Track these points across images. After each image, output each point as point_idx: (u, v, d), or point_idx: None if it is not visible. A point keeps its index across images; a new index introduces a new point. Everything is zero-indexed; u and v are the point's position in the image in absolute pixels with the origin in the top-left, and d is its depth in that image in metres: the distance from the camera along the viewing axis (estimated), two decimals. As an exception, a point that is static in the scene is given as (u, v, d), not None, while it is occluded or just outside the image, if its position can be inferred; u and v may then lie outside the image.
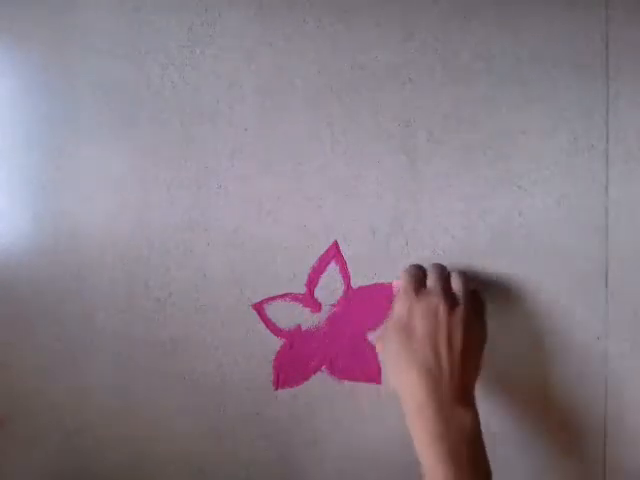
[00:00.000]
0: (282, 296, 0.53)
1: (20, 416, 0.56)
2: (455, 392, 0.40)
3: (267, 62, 0.53)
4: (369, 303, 0.53)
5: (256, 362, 0.54)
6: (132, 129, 0.54)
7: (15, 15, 0.54)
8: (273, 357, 0.54)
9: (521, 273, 0.53)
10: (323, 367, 0.54)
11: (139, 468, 0.56)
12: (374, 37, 0.52)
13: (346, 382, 0.54)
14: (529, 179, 0.52)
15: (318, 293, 0.53)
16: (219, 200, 0.53)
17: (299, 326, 0.53)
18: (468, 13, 0.52)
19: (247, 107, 0.53)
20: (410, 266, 0.48)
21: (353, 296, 0.53)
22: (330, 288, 0.53)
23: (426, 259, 0.53)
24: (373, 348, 0.53)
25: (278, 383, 0.54)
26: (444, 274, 0.46)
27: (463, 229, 0.53)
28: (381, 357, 0.47)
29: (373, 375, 0.53)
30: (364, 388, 0.53)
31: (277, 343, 0.54)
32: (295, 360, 0.54)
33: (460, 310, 0.43)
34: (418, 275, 0.46)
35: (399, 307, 0.44)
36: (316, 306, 0.53)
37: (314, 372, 0.53)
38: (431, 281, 0.45)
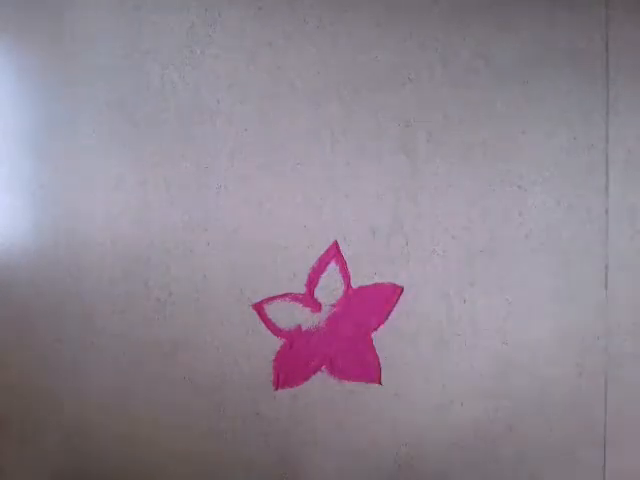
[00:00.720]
0: (282, 296, 0.53)
1: (20, 416, 0.56)
2: None
3: (267, 62, 0.53)
4: (369, 303, 0.53)
5: (256, 362, 0.54)
6: (132, 129, 0.54)
7: (15, 15, 0.54)
8: (273, 357, 0.54)
9: (521, 273, 0.53)
10: (323, 367, 0.54)
11: (139, 468, 0.56)
12: (374, 37, 0.52)
13: (346, 382, 0.54)
14: (529, 179, 0.52)
15: (318, 293, 0.53)
16: (219, 200, 0.53)
17: (299, 326, 0.53)
18: (468, 13, 0.52)
19: (247, 107, 0.53)
20: None
21: (353, 296, 0.53)
22: (330, 288, 0.53)
23: (426, 259, 0.53)
24: (373, 348, 0.53)
25: (278, 383, 0.54)
26: None
27: (463, 229, 0.53)
28: None
29: (373, 375, 0.53)
30: (364, 388, 0.53)
31: (277, 343, 0.54)
32: (295, 360, 0.54)
33: None
34: None
35: None
36: (316, 306, 0.53)
37: (314, 372, 0.53)
38: None
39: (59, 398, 0.55)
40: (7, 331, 0.55)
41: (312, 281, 0.53)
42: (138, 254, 0.54)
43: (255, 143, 0.53)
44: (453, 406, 0.53)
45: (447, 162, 0.53)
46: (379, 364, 0.52)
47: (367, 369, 0.53)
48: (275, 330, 0.54)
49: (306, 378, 0.54)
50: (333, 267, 0.53)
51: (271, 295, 0.54)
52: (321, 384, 0.54)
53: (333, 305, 0.53)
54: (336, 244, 0.53)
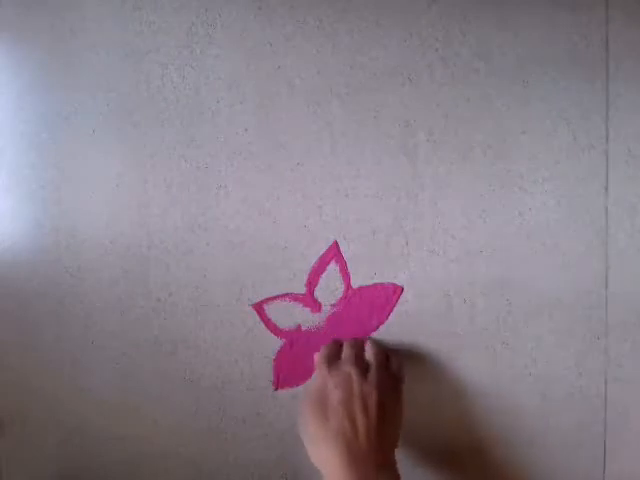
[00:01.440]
0: (282, 296, 0.53)
1: (20, 416, 0.56)
2: (375, 458, 0.39)
3: (267, 62, 0.53)
4: (369, 303, 0.53)
5: (256, 362, 0.54)
6: (132, 129, 0.54)
7: (15, 15, 0.54)
8: (273, 357, 0.54)
9: (521, 273, 0.53)
10: (323, 367, 0.54)
11: (139, 468, 0.56)
12: (374, 37, 0.52)
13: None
14: (529, 179, 0.52)
15: (318, 293, 0.53)
16: (219, 200, 0.53)
17: (299, 326, 0.53)
18: (468, 13, 0.52)
19: (247, 107, 0.53)
20: (327, 344, 0.49)
21: (353, 296, 0.53)
22: (330, 288, 0.53)
23: (426, 259, 0.53)
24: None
25: (278, 383, 0.54)
26: (358, 344, 0.48)
27: (463, 229, 0.53)
28: (301, 435, 0.43)
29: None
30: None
31: (277, 343, 0.54)
32: (295, 360, 0.54)
33: (373, 375, 0.43)
34: (332, 349, 0.47)
35: (313, 382, 0.45)
36: (316, 306, 0.53)
37: (314, 372, 0.53)
38: (344, 352, 0.46)
39: (59, 398, 0.55)
40: (7, 331, 0.55)
41: (312, 281, 0.53)
42: (138, 254, 0.54)
43: (255, 143, 0.53)
44: (453, 406, 0.54)
45: (447, 162, 0.53)
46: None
47: (367, 369, 0.53)
48: (275, 330, 0.54)
49: (306, 378, 0.54)
50: (333, 267, 0.53)
51: (271, 295, 0.54)
52: (321, 384, 0.54)
53: (333, 305, 0.53)
54: (336, 244, 0.53)
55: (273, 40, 0.53)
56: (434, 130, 0.53)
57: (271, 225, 0.53)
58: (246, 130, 0.53)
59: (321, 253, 0.53)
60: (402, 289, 0.53)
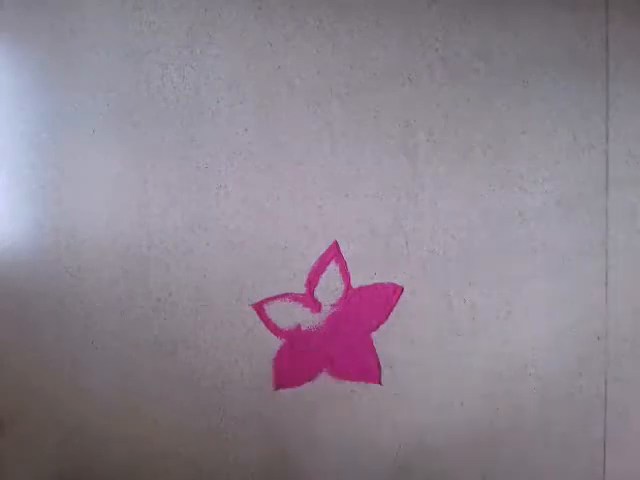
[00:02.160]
0: (282, 296, 0.53)
1: (20, 416, 0.56)
2: None
3: (267, 62, 0.53)
4: (369, 303, 0.53)
5: (256, 362, 0.54)
6: (132, 129, 0.54)
7: (15, 15, 0.53)
8: (273, 357, 0.54)
9: (521, 273, 0.53)
10: (323, 367, 0.54)
11: (139, 468, 0.56)
12: (374, 37, 0.52)
13: (346, 382, 0.54)
14: (529, 179, 0.52)
15: (318, 293, 0.53)
16: (219, 200, 0.53)
17: (299, 326, 0.53)
18: (468, 13, 0.52)
19: (247, 107, 0.53)
20: None
21: (353, 296, 0.53)
22: (330, 288, 0.53)
23: (426, 259, 0.53)
24: (373, 348, 0.53)
25: (278, 383, 0.54)
26: None
27: (463, 229, 0.53)
28: None
29: (373, 375, 0.53)
30: (364, 388, 0.53)
31: (277, 343, 0.54)
32: (295, 360, 0.54)
33: None
34: None
35: None
36: (316, 306, 0.53)
37: (314, 372, 0.53)
38: None
39: (59, 398, 0.55)
40: (7, 331, 0.55)
41: (312, 281, 0.53)
42: (138, 254, 0.54)
43: (255, 143, 0.53)
44: (453, 406, 0.53)
45: (447, 162, 0.53)
46: (379, 364, 0.52)
47: (367, 369, 0.53)
48: (275, 330, 0.54)
49: (306, 378, 0.54)
50: (333, 267, 0.53)
51: (271, 295, 0.54)
52: (321, 384, 0.54)
53: (333, 305, 0.53)
54: (336, 244, 0.53)
55: (273, 40, 0.53)
56: (434, 130, 0.53)
57: (271, 225, 0.53)
58: (246, 130, 0.53)
59: (321, 253, 0.53)
60: (402, 289, 0.53)
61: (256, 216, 0.53)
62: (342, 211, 0.53)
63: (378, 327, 0.53)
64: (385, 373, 0.52)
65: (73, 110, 0.54)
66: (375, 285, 0.53)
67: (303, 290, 0.53)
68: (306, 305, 0.53)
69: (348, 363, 0.53)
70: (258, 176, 0.53)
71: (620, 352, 0.53)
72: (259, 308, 0.53)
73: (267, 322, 0.53)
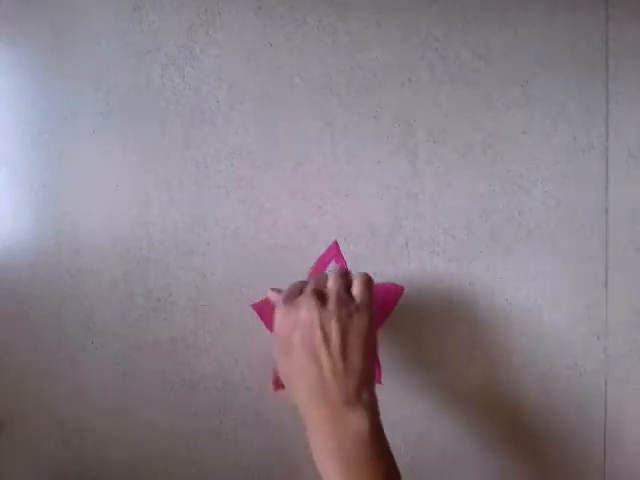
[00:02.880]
0: (282, 296, 0.53)
1: (20, 417, 0.56)
2: (344, 395, 0.36)
3: (267, 62, 0.53)
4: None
5: (256, 362, 0.54)
6: (132, 129, 0.54)
7: (15, 15, 0.54)
8: (273, 357, 0.54)
9: (521, 273, 0.53)
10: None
11: (139, 468, 0.56)
12: (374, 37, 0.52)
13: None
14: (529, 179, 0.52)
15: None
16: (219, 200, 0.53)
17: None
18: (468, 13, 0.52)
19: (247, 107, 0.53)
20: (290, 285, 0.45)
21: (353, 296, 0.53)
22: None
23: (426, 259, 0.53)
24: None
25: (278, 383, 0.54)
26: (319, 277, 0.43)
27: (463, 229, 0.53)
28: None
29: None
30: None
31: (277, 343, 0.54)
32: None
33: (331, 302, 0.39)
34: (293, 286, 0.43)
35: (277, 324, 0.42)
36: (316, 306, 0.53)
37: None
38: (305, 290, 0.41)
39: (59, 399, 0.55)
40: (7, 331, 0.55)
41: (312, 281, 0.53)
42: (138, 254, 0.54)
43: (255, 143, 0.53)
44: (453, 406, 0.53)
45: (447, 162, 0.53)
46: (379, 363, 0.52)
47: (367, 369, 0.53)
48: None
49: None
50: (333, 267, 0.53)
51: (271, 295, 0.53)
52: (321, 384, 0.54)
53: (333, 305, 0.53)
54: (336, 244, 0.53)
55: (273, 40, 0.53)
56: (434, 130, 0.53)
57: (271, 225, 0.53)
58: (246, 130, 0.53)
59: (321, 253, 0.53)
60: (402, 289, 0.53)
61: (256, 216, 0.53)
62: (342, 211, 0.53)
63: (378, 327, 0.53)
64: (385, 373, 0.52)
65: (73, 110, 0.54)
66: (375, 285, 0.53)
67: (303, 290, 0.52)
68: (306, 305, 0.52)
69: (348, 363, 0.53)
70: (258, 176, 0.53)
71: (620, 352, 0.53)
72: (259, 308, 0.53)
73: (267, 322, 0.52)
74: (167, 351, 0.54)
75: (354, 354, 0.38)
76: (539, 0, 0.52)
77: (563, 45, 0.52)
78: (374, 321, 0.41)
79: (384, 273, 0.53)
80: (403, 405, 0.53)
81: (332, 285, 0.41)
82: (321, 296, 0.40)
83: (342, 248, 0.53)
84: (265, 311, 0.54)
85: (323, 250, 0.53)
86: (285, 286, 0.53)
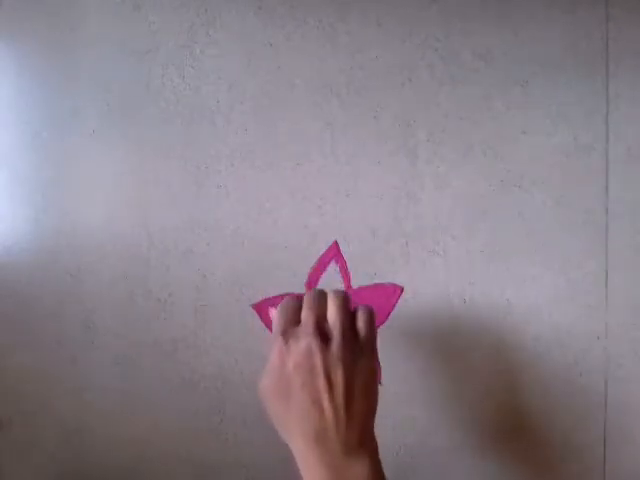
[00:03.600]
0: (282, 296, 0.53)
1: (20, 417, 0.56)
2: (346, 443, 0.35)
3: (267, 62, 0.53)
4: (369, 303, 0.53)
5: (256, 362, 0.54)
6: (132, 129, 0.54)
7: (15, 15, 0.54)
8: (273, 357, 0.54)
9: (521, 273, 0.53)
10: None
11: (139, 468, 0.56)
12: (374, 37, 0.52)
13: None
14: (529, 179, 0.52)
15: (318, 293, 0.53)
16: (219, 200, 0.53)
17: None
18: (468, 13, 0.52)
19: (247, 107, 0.53)
20: (284, 302, 0.40)
21: (353, 296, 0.53)
22: (330, 288, 0.53)
23: (426, 259, 0.53)
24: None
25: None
26: (318, 302, 0.39)
27: (463, 229, 0.53)
28: (267, 411, 0.40)
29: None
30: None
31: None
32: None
33: (336, 344, 0.36)
34: (289, 310, 0.39)
35: (272, 356, 0.38)
36: (316, 306, 0.53)
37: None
38: (303, 315, 0.38)
39: (59, 399, 0.55)
40: (7, 331, 0.55)
41: (312, 281, 0.53)
42: (138, 254, 0.54)
43: (255, 143, 0.53)
44: (453, 406, 0.54)
45: (447, 162, 0.53)
46: (379, 364, 0.52)
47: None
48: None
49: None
50: (333, 267, 0.53)
51: (271, 295, 0.54)
52: (321, 384, 0.54)
53: (333, 305, 0.53)
54: (336, 244, 0.53)
55: (273, 40, 0.53)
56: (434, 130, 0.53)
57: (271, 225, 0.53)
58: (246, 130, 0.53)
59: (321, 253, 0.53)
60: (402, 289, 0.53)
61: (256, 216, 0.53)
62: (342, 211, 0.53)
63: (378, 327, 0.53)
64: (385, 373, 0.52)
65: (73, 110, 0.54)
66: (375, 285, 0.52)
67: (303, 290, 0.53)
68: (306, 305, 0.52)
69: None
70: (258, 176, 0.53)
71: (620, 352, 0.53)
72: (259, 308, 0.53)
73: (267, 322, 0.52)
74: (167, 351, 0.54)
75: (358, 402, 0.36)
76: (539, 0, 0.52)
77: (563, 45, 0.52)
78: (377, 357, 0.40)
79: (384, 273, 0.53)
80: (402, 405, 0.53)
81: (335, 319, 0.38)
82: (323, 333, 0.37)
83: (342, 248, 0.53)
84: (265, 311, 0.54)
85: (323, 250, 0.53)
86: (285, 287, 0.53)
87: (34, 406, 0.56)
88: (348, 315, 0.39)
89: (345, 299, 0.40)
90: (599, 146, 0.52)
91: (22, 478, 0.56)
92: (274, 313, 0.41)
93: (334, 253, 0.53)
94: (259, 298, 0.53)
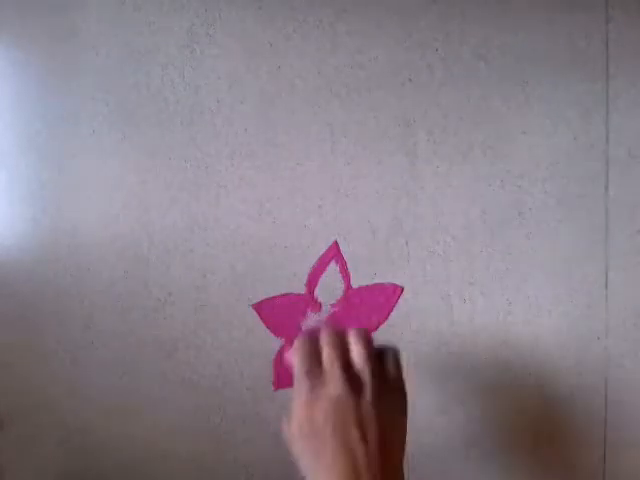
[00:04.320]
0: (282, 296, 0.53)
1: (20, 416, 0.56)
2: None
3: (267, 62, 0.53)
4: (369, 303, 0.53)
5: (256, 362, 0.54)
6: (132, 129, 0.54)
7: (15, 15, 0.53)
8: (273, 357, 0.54)
9: (521, 273, 0.53)
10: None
11: (139, 468, 0.56)
12: (374, 37, 0.52)
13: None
14: (529, 179, 0.52)
15: (318, 293, 0.53)
16: (219, 200, 0.53)
17: (299, 326, 0.53)
18: (468, 13, 0.52)
19: (247, 107, 0.53)
20: (301, 340, 0.37)
21: (353, 296, 0.53)
22: (330, 288, 0.53)
23: (426, 259, 0.53)
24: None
25: (278, 383, 0.54)
26: (340, 345, 0.36)
27: (463, 229, 0.53)
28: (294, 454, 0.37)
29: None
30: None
31: (277, 343, 0.54)
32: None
33: (368, 392, 0.34)
34: (310, 353, 0.36)
35: (297, 408, 0.35)
36: (316, 306, 0.53)
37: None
38: (326, 356, 0.36)
39: (59, 398, 0.55)
40: (7, 331, 0.55)
41: (312, 281, 0.53)
42: (138, 254, 0.54)
43: (255, 143, 0.53)
44: (453, 406, 0.54)
45: (447, 162, 0.53)
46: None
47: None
48: (275, 330, 0.53)
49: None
50: (333, 267, 0.53)
51: (271, 295, 0.54)
52: (321, 384, 0.54)
53: (333, 305, 0.53)
54: (336, 244, 0.53)
55: (273, 40, 0.53)
56: (434, 130, 0.53)
57: (271, 225, 0.53)
58: (246, 130, 0.53)
59: (321, 253, 0.53)
60: (402, 289, 0.53)
61: (256, 216, 0.53)
62: (342, 211, 0.53)
63: (378, 327, 0.53)
64: (385, 373, 0.51)
65: (73, 110, 0.53)
66: (375, 285, 0.52)
67: (303, 290, 0.53)
68: (306, 305, 0.53)
69: (348, 363, 0.53)
70: (258, 176, 0.53)
71: (620, 352, 0.53)
72: (259, 308, 0.53)
73: (267, 322, 0.52)
74: (167, 351, 0.54)
75: (392, 454, 0.35)
76: (539, 0, 0.52)
77: (563, 45, 0.52)
78: (405, 396, 0.38)
79: (384, 273, 0.53)
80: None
81: (364, 364, 0.35)
82: (351, 378, 0.35)
83: (342, 248, 0.53)
84: (265, 311, 0.54)
85: (323, 250, 0.53)
86: (285, 287, 0.53)
87: (34, 406, 0.56)
88: (376, 359, 0.37)
89: (369, 339, 0.37)
90: (599, 146, 0.52)
91: (22, 478, 0.56)
92: (290, 355, 0.38)
93: (334, 253, 0.53)
94: (259, 298, 0.53)
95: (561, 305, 0.53)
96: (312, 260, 0.53)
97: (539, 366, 0.53)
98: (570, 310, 0.53)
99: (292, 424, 0.36)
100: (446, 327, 0.53)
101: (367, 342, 0.37)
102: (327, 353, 0.36)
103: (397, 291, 0.53)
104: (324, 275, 0.53)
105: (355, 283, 0.53)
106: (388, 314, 0.53)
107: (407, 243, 0.53)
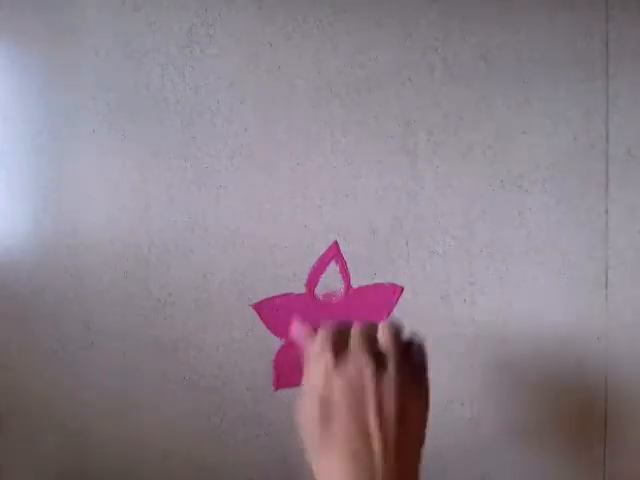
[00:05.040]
0: (282, 296, 0.53)
1: (20, 416, 0.56)
2: (391, 475, 0.31)
3: (267, 62, 0.53)
4: (369, 303, 0.53)
5: (256, 362, 0.54)
6: (132, 129, 0.54)
7: (15, 15, 0.53)
8: (273, 357, 0.54)
9: (521, 273, 0.53)
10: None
11: (139, 468, 0.56)
12: (374, 37, 0.52)
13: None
14: (529, 179, 0.52)
15: (318, 293, 0.53)
16: (219, 200, 0.53)
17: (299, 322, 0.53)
18: (468, 13, 0.52)
19: (247, 107, 0.53)
20: (329, 324, 0.37)
21: (353, 296, 0.53)
22: (330, 288, 0.53)
23: (426, 259, 0.53)
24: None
25: (278, 383, 0.54)
26: (370, 330, 0.37)
27: (463, 229, 0.53)
28: (303, 438, 0.36)
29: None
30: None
31: (277, 343, 0.54)
32: (295, 360, 0.53)
33: (392, 368, 0.33)
34: (340, 333, 0.36)
35: (314, 375, 0.34)
36: (316, 306, 0.53)
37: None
38: (354, 338, 0.35)
39: (59, 398, 0.55)
40: (7, 331, 0.55)
41: (312, 281, 0.53)
42: (138, 254, 0.54)
43: (255, 143, 0.53)
44: (453, 406, 0.54)
45: (447, 162, 0.53)
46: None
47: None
48: (275, 330, 0.53)
49: (306, 378, 0.53)
50: (333, 267, 0.53)
51: (271, 295, 0.54)
52: (321, 384, 0.54)
53: (333, 305, 0.53)
54: (336, 244, 0.53)
55: (273, 40, 0.53)
56: (434, 130, 0.53)
57: (271, 225, 0.53)
58: (246, 130, 0.53)
59: (321, 253, 0.53)
60: (402, 289, 0.53)
61: (256, 216, 0.53)
62: (342, 211, 0.53)
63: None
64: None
65: (73, 110, 0.53)
66: (375, 285, 0.52)
67: (303, 290, 0.53)
68: (306, 305, 0.53)
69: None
70: (258, 176, 0.53)
71: (620, 352, 0.53)
72: (259, 308, 0.53)
73: (267, 322, 0.52)
74: (167, 351, 0.54)
75: (410, 434, 0.33)
76: (539, 0, 0.52)
77: (563, 45, 0.52)
78: (427, 383, 0.36)
79: (384, 273, 0.53)
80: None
81: (390, 346, 0.35)
82: (377, 355, 0.34)
83: (342, 248, 0.53)
84: (265, 311, 0.54)
85: (323, 250, 0.53)
86: (285, 286, 0.53)
87: (34, 406, 0.56)
88: (405, 342, 0.37)
89: (399, 329, 0.37)
90: (599, 146, 0.52)
91: (22, 478, 0.56)
92: (295, 328, 0.39)
93: (334, 253, 0.53)
94: (259, 298, 0.53)
95: (561, 305, 0.53)
96: (312, 260, 0.53)
97: (539, 366, 0.53)
98: (570, 310, 0.53)
99: (308, 392, 0.35)
100: (446, 327, 0.53)
101: (397, 331, 0.37)
102: (355, 336, 0.36)
103: (397, 291, 0.53)
104: (324, 275, 0.53)
105: (355, 283, 0.53)
106: (388, 314, 0.53)
107: (407, 243, 0.53)
